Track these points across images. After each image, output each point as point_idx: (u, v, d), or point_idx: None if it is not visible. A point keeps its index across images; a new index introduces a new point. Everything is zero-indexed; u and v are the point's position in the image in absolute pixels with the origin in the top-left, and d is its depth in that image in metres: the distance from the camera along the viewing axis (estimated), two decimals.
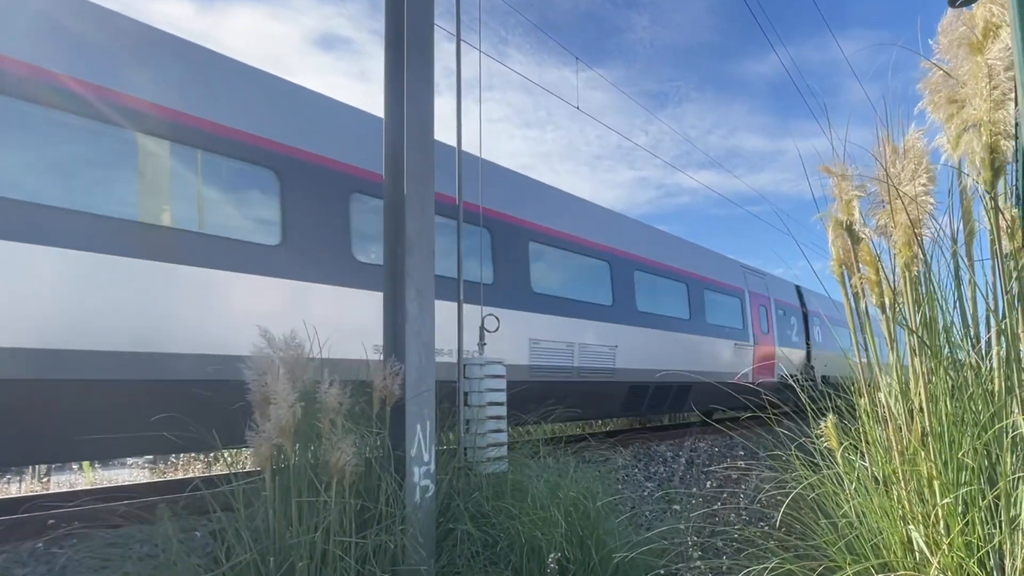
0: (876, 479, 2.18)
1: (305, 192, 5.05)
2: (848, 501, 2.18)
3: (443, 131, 3.81)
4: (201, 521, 3.35)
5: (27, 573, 2.94)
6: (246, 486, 2.58)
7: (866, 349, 2.32)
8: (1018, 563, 1.78)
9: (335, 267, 5.15)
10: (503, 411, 3.97)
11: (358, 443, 2.71)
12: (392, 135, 3.37)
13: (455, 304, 3.92)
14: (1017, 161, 2.09)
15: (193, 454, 9.08)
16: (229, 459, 5.21)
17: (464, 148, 4.16)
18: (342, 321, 4.84)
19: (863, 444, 2.27)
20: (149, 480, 8.54)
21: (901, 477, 2.06)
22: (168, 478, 8.38)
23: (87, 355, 3.82)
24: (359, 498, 2.72)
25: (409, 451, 2.99)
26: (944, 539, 1.91)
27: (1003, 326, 1.99)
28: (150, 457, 10.00)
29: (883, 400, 2.17)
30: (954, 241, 2.17)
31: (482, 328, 4.42)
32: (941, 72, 2.12)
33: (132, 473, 10.13)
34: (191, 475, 8.07)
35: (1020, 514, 1.79)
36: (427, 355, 3.20)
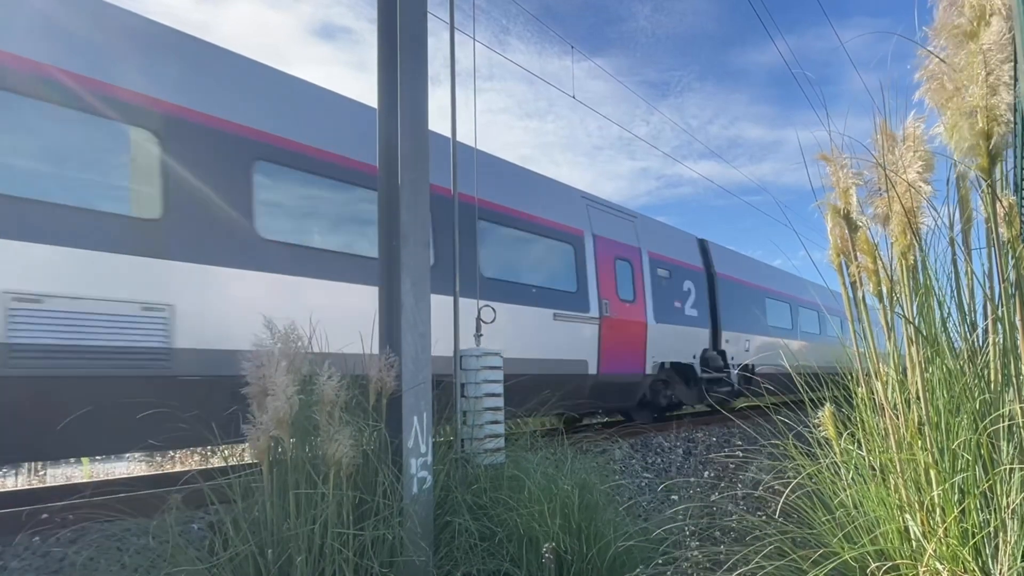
0: (873, 468, 2.18)
1: None
2: (845, 490, 2.19)
3: (442, 123, 3.79)
4: (198, 513, 3.35)
5: (23, 567, 2.94)
6: (244, 478, 2.58)
7: (864, 338, 2.31)
8: (1011, 549, 1.78)
9: None
10: (500, 403, 3.97)
11: (355, 435, 2.71)
12: (385, 125, 3.34)
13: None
14: (1014, 148, 2.08)
15: (188, 448, 9.06)
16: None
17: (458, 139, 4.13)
18: None
19: (860, 433, 2.27)
20: (146, 473, 8.53)
21: (897, 466, 2.07)
22: (166, 471, 8.38)
23: None
24: (356, 490, 2.71)
25: (406, 443, 2.99)
26: (940, 527, 1.91)
27: (1000, 314, 1.99)
28: (147, 451, 9.97)
29: (880, 389, 2.18)
30: (951, 228, 2.16)
31: (478, 320, 4.42)
32: (937, 60, 2.10)
33: (129, 466, 10.13)
34: (188, 468, 8.07)
35: (1015, 501, 1.79)
36: (423, 346, 3.19)
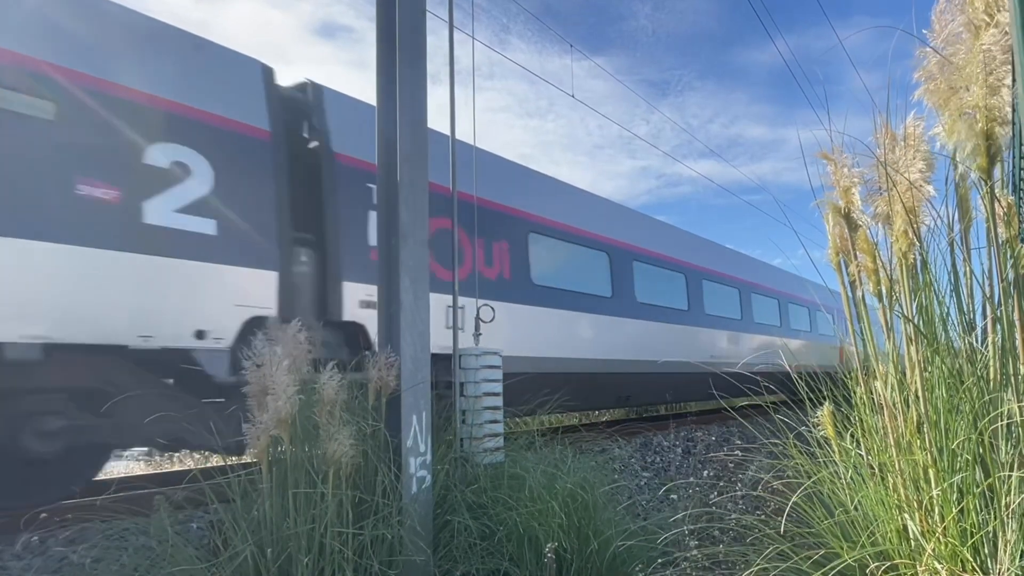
0: (872, 467, 2.18)
1: None
2: (844, 490, 2.19)
3: (442, 121, 3.79)
4: (198, 512, 3.35)
5: (23, 566, 2.94)
6: (243, 478, 2.57)
7: (863, 337, 2.32)
8: (1010, 549, 1.79)
9: None
10: (499, 402, 3.97)
11: (355, 435, 2.70)
12: (385, 124, 3.33)
13: None
14: (1013, 148, 2.08)
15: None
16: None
17: (457, 137, 4.14)
18: None
19: (859, 432, 2.27)
20: (145, 472, 8.52)
21: (896, 465, 2.07)
22: (165, 470, 8.37)
23: None
24: (356, 490, 2.71)
25: (405, 442, 2.99)
26: (939, 526, 1.92)
27: (999, 314, 1.99)
28: (145, 449, 9.95)
29: (879, 388, 2.18)
30: (950, 228, 2.16)
31: (477, 319, 4.42)
32: (937, 59, 2.10)
33: (128, 465, 10.11)
34: (187, 467, 8.05)
35: (1014, 501, 1.80)
36: (422, 345, 3.19)
